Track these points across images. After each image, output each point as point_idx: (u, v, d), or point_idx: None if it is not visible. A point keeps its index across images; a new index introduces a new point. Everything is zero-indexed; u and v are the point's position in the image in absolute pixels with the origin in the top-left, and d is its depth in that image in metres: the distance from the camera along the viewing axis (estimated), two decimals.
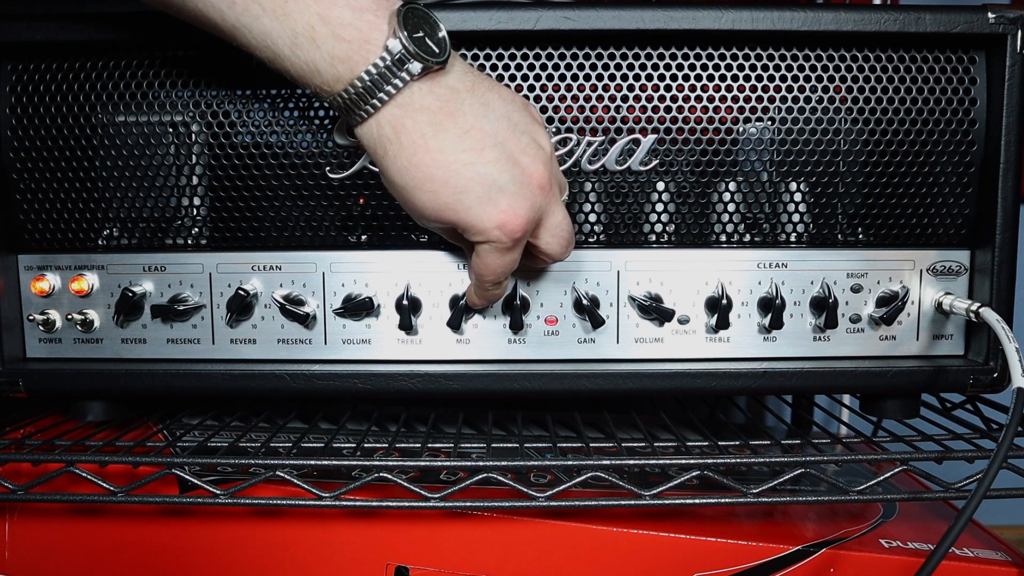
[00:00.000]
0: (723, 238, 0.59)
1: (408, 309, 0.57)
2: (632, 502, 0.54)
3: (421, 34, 0.44)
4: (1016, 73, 0.56)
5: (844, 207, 0.59)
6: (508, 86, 0.55)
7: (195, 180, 0.58)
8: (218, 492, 0.53)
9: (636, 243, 0.59)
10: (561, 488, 0.53)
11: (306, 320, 0.58)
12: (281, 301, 0.58)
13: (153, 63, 0.57)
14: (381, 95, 0.44)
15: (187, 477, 0.54)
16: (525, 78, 0.57)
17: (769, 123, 0.58)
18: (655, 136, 0.57)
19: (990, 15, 0.55)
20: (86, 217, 0.59)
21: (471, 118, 0.45)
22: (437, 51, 0.44)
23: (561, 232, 0.50)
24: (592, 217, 0.59)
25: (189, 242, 0.60)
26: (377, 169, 0.48)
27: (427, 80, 0.44)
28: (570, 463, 0.55)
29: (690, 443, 0.64)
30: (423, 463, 0.55)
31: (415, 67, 0.43)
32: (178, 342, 0.59)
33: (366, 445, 0.67)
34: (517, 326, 0.57)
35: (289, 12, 0.42)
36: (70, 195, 0.58)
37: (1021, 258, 0.59)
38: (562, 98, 0.57)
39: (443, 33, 0.45)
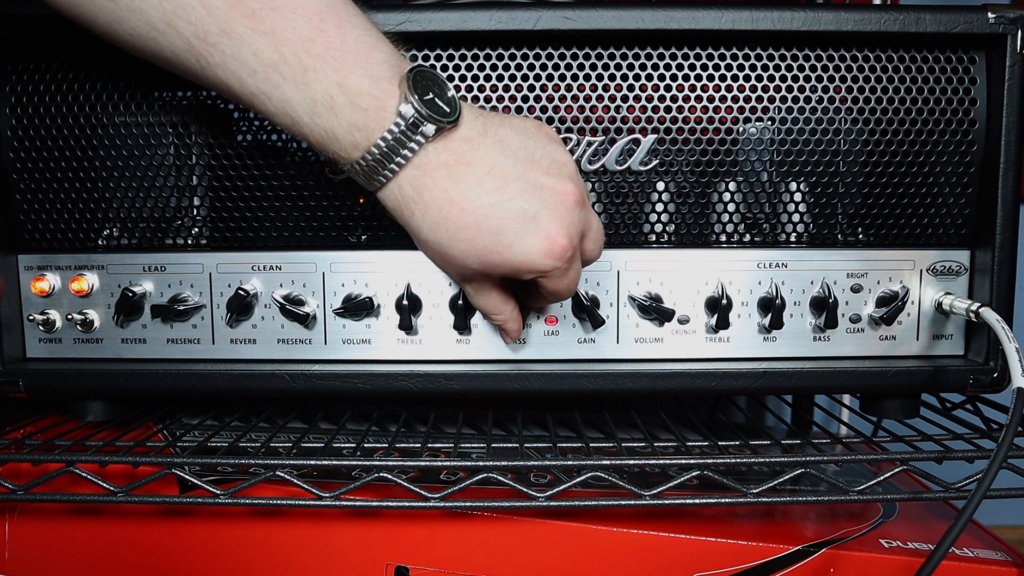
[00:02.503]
0: (723, 238, 0.59)
1: (408, 309, 0.57)
2: (632, 502, 0.54)
3: (431, 96, 0.44)
4: (1016, 73, 0.56)
5: (844, 207, 0.59)
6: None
7: (195, 180, 0.58)
8: (218, 492, 0.53)
9: (636, 243, 0.59)
10: (561, 488, 0.53)
11: (306, 320, 0.58)
12: (281, 301, 0.58)
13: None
14: (399, 159, 0.44)
15: (187, 477, 0.54)
16: (525, 78, 0.57)
17: (769, 123, 0.58)
18: (655, 136, 0.57)
19: (990, 15, 0.55)
20: (86, 217, 0.59)
21: (488, 160, 0.45)
22: (448, 111, 0.44)
23: (600, 237, 0.51)
24: None
25: (189, 242, 0.60)
26: (409, 232, 0.48)
27: (441, 139, 0.45)
28: (570, 463, 0.55)
29: (690, 443, 0.64)
30: (423, 463, 0.55)
31: (429, 129, 0.44)
32: (178, 342, 0.59)
33: (366, 445, 0.67)
34: None
35: (309, 81, 0.42)
36: (70, 195, 0.58)
37: (1021, 258, 0.59)
38: (562, 98, 0.57)
39: (452, 93, 0.45)
